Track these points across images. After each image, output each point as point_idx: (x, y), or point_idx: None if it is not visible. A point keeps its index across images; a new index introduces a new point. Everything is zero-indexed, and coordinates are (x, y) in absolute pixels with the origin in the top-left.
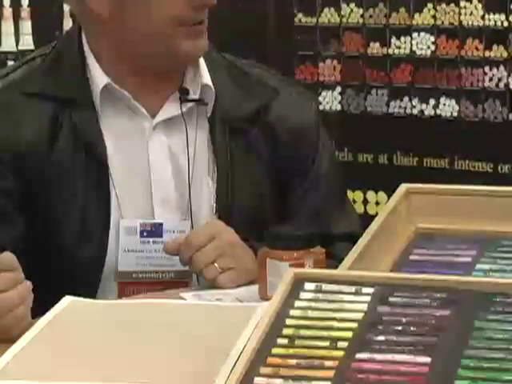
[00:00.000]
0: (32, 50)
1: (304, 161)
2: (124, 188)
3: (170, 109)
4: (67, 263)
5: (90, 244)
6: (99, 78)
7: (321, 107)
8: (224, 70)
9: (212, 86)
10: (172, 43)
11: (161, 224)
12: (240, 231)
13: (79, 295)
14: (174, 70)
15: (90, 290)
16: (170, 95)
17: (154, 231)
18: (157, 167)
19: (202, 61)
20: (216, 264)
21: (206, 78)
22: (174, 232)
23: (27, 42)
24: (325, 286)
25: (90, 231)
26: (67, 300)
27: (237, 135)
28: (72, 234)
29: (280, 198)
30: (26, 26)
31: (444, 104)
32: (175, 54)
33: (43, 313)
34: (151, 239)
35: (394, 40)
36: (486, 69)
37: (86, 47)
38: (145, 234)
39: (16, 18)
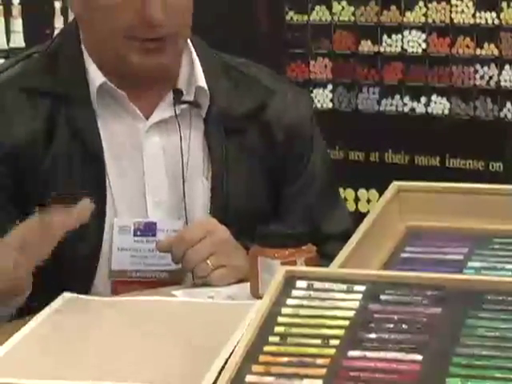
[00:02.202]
0: (23, 48)
1: (298, 159)
2: (119, 187)
3: (164, 110)
4: (62, 261)
5: (84, 242)
6: (95, 76)
7: None
8: (220, 70)
9: (206, 88)
10: (122, 55)
11: (154, 223)
12: (234, 230)
13: (73, 293)
14: (141, 82)
15: (84, 287)
16: (164, 96)
17: (147, 230)
18: (151, 168)
19: (196, 61)
20: (208, 261)
21: (201, 80)
22: (167, 231)
23: (18, 40)
24: (316, 284)
25: (84, 229)
26: (64, 296)
27: (232, 135)
28: (67, 232)
29: (274, 197)
30: (17, 23)
31: (435, 102)
32: (127, 67)
33: (36, 310)
34: (145, 238)
35: (385, 38)
36: (477, 67)
37: (83, 45)
38: (138, 233)
39: (7, 15)
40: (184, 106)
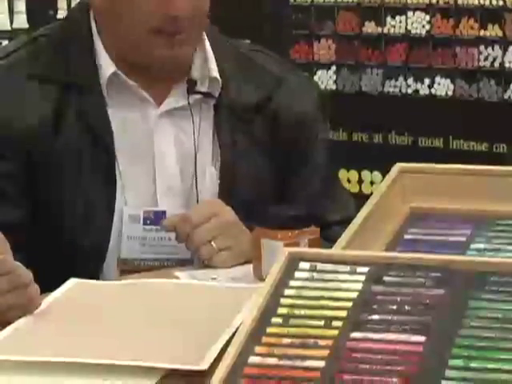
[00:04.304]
0: (26, 29)
1: (303, 150)
2: (129, 175)
3: (176, 99)
4: (70, 248)
5: (93, 230)
6: (106, 64)
7: None
8: (231, 58)
9: (219, 79)
10: (147, 51)
11: (164, 212)
12: (241, 217)
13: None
14: (165, 73)
15: (91, 275)
16: (176, 84)
17: (157, 219)
18: (161, 155)
19: (210, 51)
20: (213, 243)
21: (215, 70)
22: None
23: (21, 21)
24: (319, 266)
25: (93, 217)
26: (70, 282)
27: (241, 123)
28: (75, 220)
29: (280, 185)
30: (20, 4)
31: (439, 83)
32: (151, 61)
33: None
34: (154, 227)
35: (389, 19)
36: (481, 48)
37: (94, 31)
38: (148, 221)
39: None
40: (198, 96)
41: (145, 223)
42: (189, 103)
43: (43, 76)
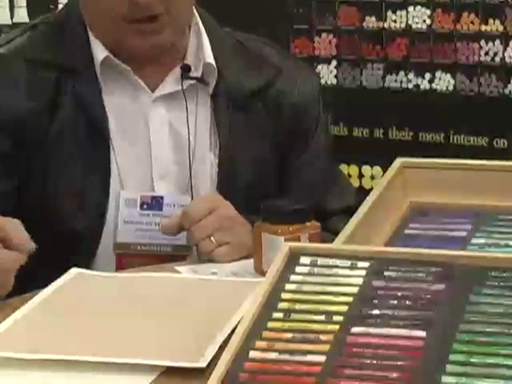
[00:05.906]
0: (26, 23)
1: (304, 136)
2: (125, 160)
3: (171, 84)
4: (64, 232)
5: (88, 214)
6: (98, 50)
7: None
8: (228, 46)
9: (214, 65)
10: (118, 38)
11: (161, 197)
12: (241, 205)
13: (75, 265)
14: (151, 60)
15: (86, 260)
16: (170, 69)
17: (154, 204)
18: (157, 141)
19: (204, 36)
20: (213, 238)
21: (209, 56)
22: (174, 206)
23: (22, 15)
24: (320, 261)
25: (88, 201)
26: (71, 272)
27: (239, 111)
28: (70, 204)
29: (280, 173)
30: None
31: (440, 78)
32: (124, 49)
33: (39, 281)
34: (151, 212)
35: (389, 14)
36: (482, 43)
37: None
38: (145, 206)
39: None
40: (191, 81)
41: (142, 208)
42: (182, 89)
43: (40, 61)
